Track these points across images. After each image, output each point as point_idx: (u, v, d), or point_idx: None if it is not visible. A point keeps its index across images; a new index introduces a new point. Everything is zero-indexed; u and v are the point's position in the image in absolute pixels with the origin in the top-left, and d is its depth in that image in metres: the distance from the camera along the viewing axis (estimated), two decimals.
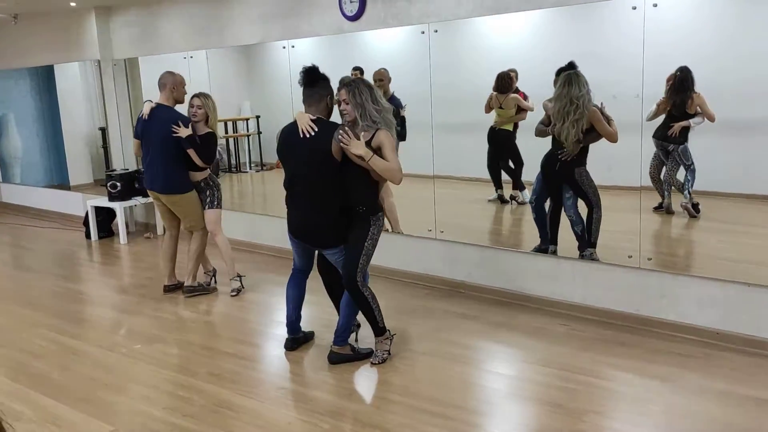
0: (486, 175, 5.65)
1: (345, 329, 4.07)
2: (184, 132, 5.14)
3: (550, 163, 4.80)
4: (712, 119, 4.30)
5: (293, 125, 3.92)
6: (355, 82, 3.78)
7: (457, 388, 3.74)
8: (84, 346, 4.55)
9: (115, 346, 4.51)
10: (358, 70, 5.93)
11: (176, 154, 5.23)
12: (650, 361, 3.95)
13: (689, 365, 3.88)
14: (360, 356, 4.09)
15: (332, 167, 3.82)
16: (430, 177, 5.48)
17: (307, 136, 3.81)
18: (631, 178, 4.42)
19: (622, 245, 4.53)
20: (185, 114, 5.27)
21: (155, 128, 5.22)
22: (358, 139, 3.71)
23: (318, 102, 3.89)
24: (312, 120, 3.84)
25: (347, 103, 3.77)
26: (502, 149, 5.58)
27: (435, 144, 5.37)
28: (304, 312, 4.36)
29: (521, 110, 5.32)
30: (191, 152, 5.20)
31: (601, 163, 4.66)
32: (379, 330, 4.05)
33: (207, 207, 5.44)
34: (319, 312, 4.77)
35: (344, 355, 4.07)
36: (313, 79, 3.88)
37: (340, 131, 3.74)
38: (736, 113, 4.21)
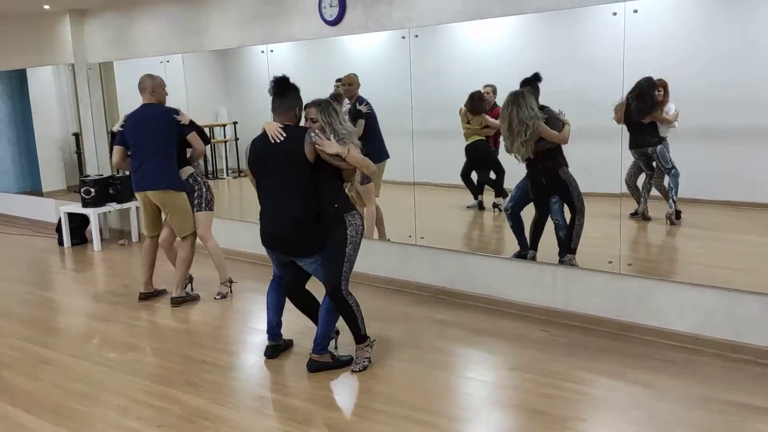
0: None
1: (324, 337, 4.01)
2: (185, 119, 5.14)
3: (534, 178, 4.84)
4: (670, 124, 4.38)
5: (262, 136, 3.89)
6: (325, 103, 3.93)
7: (438, 395, 3.69)
8: (55, 356, 4.43)
9: (88, 355, 4.39)
10: (341, 81, 5.87)
11: (170, 150, 5.14)
12: (631, 366, 3.94)
13: (670, 371, 3.88)
14: (339, 364, 4.03)
15: (305, 171, 3.77)
16: (410, 183, 5.44)
17: (277, 141, 3.78)
18: (611, 184, 4.42)
19: (603, 251, 4.53)
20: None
21: (145, 127, 5.12)
22: (329, 139, 3.75)
23: (287, 111, 3.87)
24: (280, 127, 3.82)
25: (315, 122, 3.87)
26: (477, 160, 5.57)
27: (415, 150, 5.34)
28: (284, 318, 4.29)
29: (486, 127, 5.37)
30: (193, 136, 5.16)
31: (579, 167, 4.68)
32: (361, 337, 4.01)
33: (197, 209, 5.35)
34: (298, 318, 4.69)
35: (324, 363, 4.00)
36: (283, 89, 3.87)
37: (312, 133, 3.74)
38: (714, 119, 4.24)
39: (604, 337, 4.39)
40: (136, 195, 5.37)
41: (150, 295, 5.52)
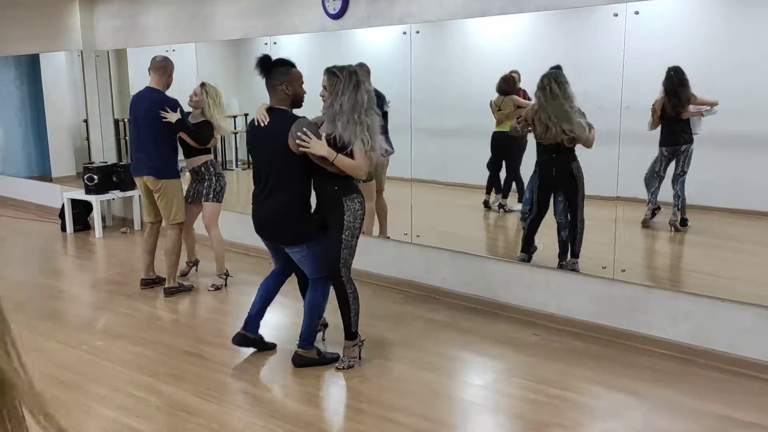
0: (468, 180, 5.54)
1: (309, 332, 3.95)
2: (172, 117, 5.04)
3: (545, 168, 4.70)
4: (715, 103, 4.13)
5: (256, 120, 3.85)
6: (338, 70, 3.70)
7: (425, 398, 3.64)
8: (46, 342, 4.43)
9: (78, 343, 4.39)
10: None
11: (164, 138, 5.12)
12: (621, 374, 3.87)
13: (660, 380, 3.81)
14: (325, 361, 3.98)
15: (291, 159, 3.67)
16: (407, 180, 5.40)
17: (261, 125, 3.74)
18: (607, 188, 4.35)
19: (597, 256, 4.46)
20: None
21: (143, 110, 5.13)
22: (319, 137, 3.62)
23: (274, 91, 3.77)
24: (266, 109, 3.76)
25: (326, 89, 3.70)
26: (502, 152, 5.28)
27: (415, 147, 5.29)
28: (275, 315, 4.27)
29: (519, 108, 5.16)
30: (184, 134, 5.15)
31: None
32: (351, 334, 3.93)
33: (204, 199, 5.37)
34: (291, 314, 4.68)
35: (309, 359, 3.95)
36: (266, 68, 3.76)
37: (298, 133, 3.58)
38: (718, 125, 4.15)
39: (596, 343, 4.32)
40: (135, 179, 5.39)
41: (151, 282, 5.49)
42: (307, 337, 3.95)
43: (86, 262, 6.65)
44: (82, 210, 7.70)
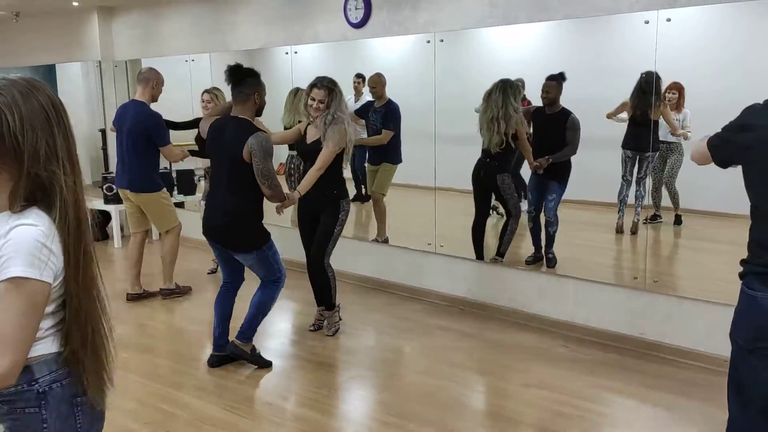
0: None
1: (251, 327, 4.03)
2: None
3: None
4: (674, 131, 4.34)
5: (220, 121, 3.92)
6: (331, 84, 4.21)
7: (451, 409, 3.58)
8: None
9: None
10: (361, 78, 5.82)
11: (146, 152, 5.13)
12: (652, 387, 3.79)
13: (692, 394, 3.73)
14: (255, 360, 4.06)
15: (246, 167, 3.72)
16: (431, 188, 5.35)
17: (224, 132, 3.84)
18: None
19: (627, 265, 4.39)
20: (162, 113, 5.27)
21: (128, 124, 5.14)
22: (272, 154, 3.78)
23: (245, 101, 3.80)
24: (230, 117, 3.87)
25: (322, 102, 4.16)
26: None
27: (438, 155, 5.25)
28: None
29: None
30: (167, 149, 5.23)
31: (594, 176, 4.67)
32: (331, 305, 4.55)
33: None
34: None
35: (243, 352, 4.04)
36: (237, 77, 3.78)
37: (277, 206, 4.04)
38: None
39: (626, 354, 4.24)
40: (119, 191, 5.44)
41: (138, 297, 5.43)
42: (246, 331, 4.03)
43: (105, 272, 6.51)
44: (100, 219, 7.69)
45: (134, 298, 5.42)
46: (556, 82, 4.61)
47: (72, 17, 7.98)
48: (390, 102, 5.53)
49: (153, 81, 5.19)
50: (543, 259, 4.92)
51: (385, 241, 5.71)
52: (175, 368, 4.17)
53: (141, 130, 5.07)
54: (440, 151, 5.24)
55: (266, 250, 3.90)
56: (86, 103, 8.88)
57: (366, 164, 5.89)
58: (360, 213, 6.36)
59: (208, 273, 6.18)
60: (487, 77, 5.14)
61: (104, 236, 7.70)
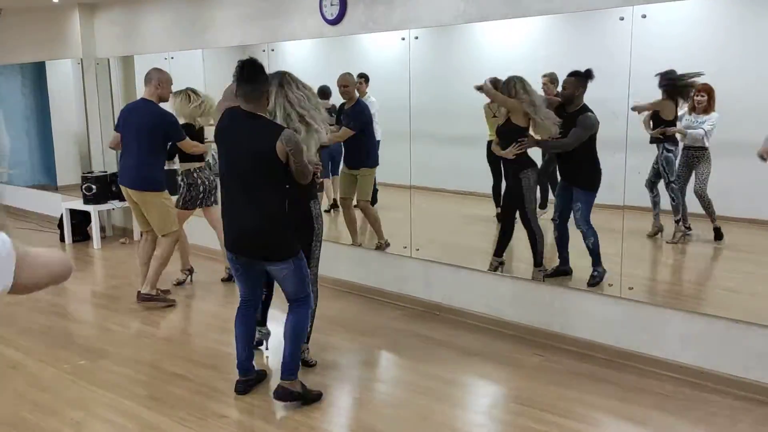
0: (470, 188, 5.34)
1: (295, 360, 3.59)
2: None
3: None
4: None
5: (233, 120, 3.49)
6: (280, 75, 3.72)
7: (419, 426, 3.42)
8: (25, 360, 4.27)
9: (58, 362, 4.22)
10: (363, 77, 5.60)
11: (153, 150, 5.05)
12: (626, 400, 3.63)
13: (667, 407, 3.56)
14: (309, 399, 3.60)
15: (278, 168, 3.40)
16: (407, 187, 5.19)
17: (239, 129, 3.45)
18: (613, 196, 4.12)
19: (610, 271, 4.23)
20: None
21: (136, 122, 5.07)
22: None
23: (259, 99, 3.44)
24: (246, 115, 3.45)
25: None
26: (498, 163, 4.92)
27: (413, 154, 5.09)
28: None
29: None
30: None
31: None
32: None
33: (205, 204, 5.53)
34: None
35: (295, 394, 3.55)
36: (253, 74, 3.42)
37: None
38: (725, 132, 3.91)
39: (601, 365, 4.07)
40: (121, 189, 5.28)
41: (150, 298, 5.25)
42: (291, 367, 3.56)
43: (81, 274, 6.47)
44: (82, 220, 7.57)
45: (146, 299, 5.25)
46: (575, 78, 4.24)
47: (55, 14, 7.87)
48: (358, 102, 5.35)
49: (155, 81, 5.11)
50: (570, 273, 4.54)
51: (387, 244, 5.49)
52: (131, 376, 4.03)
53: (159, 130, 5.00)
54: (416, 150, 5.08)
55: (302, 257, 3.57)
56: (76, 100, 8.74)
57: (342, 167, 5.66)
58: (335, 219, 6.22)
59: (223, 280, 5.87)
60: (463, 74, 5.00)
61: (84, 237, 7.58)
